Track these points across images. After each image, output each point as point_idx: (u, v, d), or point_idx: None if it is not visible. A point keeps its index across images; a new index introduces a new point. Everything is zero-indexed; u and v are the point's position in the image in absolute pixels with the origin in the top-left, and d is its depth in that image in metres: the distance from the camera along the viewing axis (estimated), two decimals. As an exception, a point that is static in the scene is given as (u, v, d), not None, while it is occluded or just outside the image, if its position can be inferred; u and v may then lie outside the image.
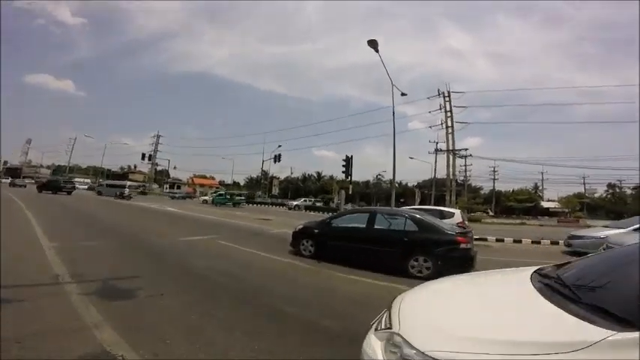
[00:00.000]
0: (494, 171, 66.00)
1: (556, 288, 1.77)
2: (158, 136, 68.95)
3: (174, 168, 77.81)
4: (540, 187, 69.64)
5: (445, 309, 1.88)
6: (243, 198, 39.82)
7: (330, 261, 7.14)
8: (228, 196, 36.76)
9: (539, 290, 1.77)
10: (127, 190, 34.92)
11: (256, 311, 4.07)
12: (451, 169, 42.02)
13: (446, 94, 41.87)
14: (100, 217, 14.73)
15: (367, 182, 72.82)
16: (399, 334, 1.62)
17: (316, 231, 7.80)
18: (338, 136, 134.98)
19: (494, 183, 66.83)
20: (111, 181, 44.34)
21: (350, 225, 7.59)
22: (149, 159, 58.54)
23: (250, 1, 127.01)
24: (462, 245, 6.25)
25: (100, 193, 38.85)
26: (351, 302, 4.66)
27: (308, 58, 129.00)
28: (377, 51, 15.25)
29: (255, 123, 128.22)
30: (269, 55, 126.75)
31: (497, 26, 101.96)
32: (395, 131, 16.64)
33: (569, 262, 2.35)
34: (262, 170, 47.01)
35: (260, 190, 51.50)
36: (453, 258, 6.23)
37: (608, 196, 67.77)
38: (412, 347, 1.48)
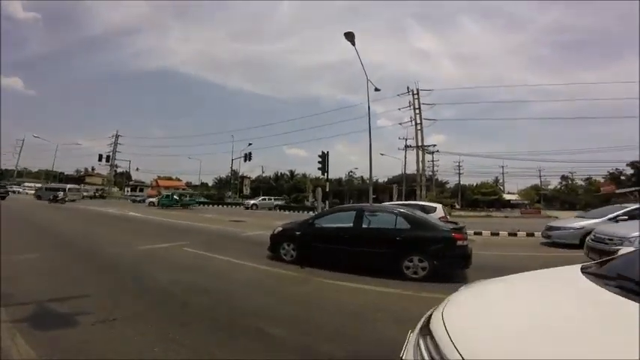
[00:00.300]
0: (459, 166, 68.61)
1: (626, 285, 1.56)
2: (117, 136, 64.40)
3: (137, 170, 73.43)
4: (500, 181, 73.25)
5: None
6: (193, 199, 37.55)
7: (315, 266, 6.43)
8: (177, 197, 34.07)
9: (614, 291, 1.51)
10: (61, 194, 32.29)
11: (235, 335, 3.28)
12: (420, 165, 42.94)
13: (415, 92, 42.59)
14: (43, 225, 12.98)
15: (340, 180, 72.82)
16: None
17: (298, 233, 7.05)
18: (309, 135, 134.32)
19: (459, 177, 69.44)
20: (51, 185, 40.34)
21: (335, 225, 6.92)
22: (107, 160, 54.40)
23: None
24: (459, 242, 5.78)
25: (39, 198, 35.76)
26: (348, 316, 3.96)
27: (279, 56, 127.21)
28: (353, 44, 14.77)
29: (224, 122, 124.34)
30: (239, 53, 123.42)
31: (462, 29, 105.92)
32: (370, 126, 16.26)
33: (612, 258, 2.24)
34: (232, 170, 45.14)
35: (230, 190, 49.50)
36: (449, 256, 5.76)
37: (562, 187, 72.57)
38: None
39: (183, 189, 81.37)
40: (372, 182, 16.43)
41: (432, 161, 54.88)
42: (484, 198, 64.86)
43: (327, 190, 17.64)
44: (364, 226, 6.50)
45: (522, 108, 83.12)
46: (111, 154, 61.09)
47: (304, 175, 73.74)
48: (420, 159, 42.55)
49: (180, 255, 7.68)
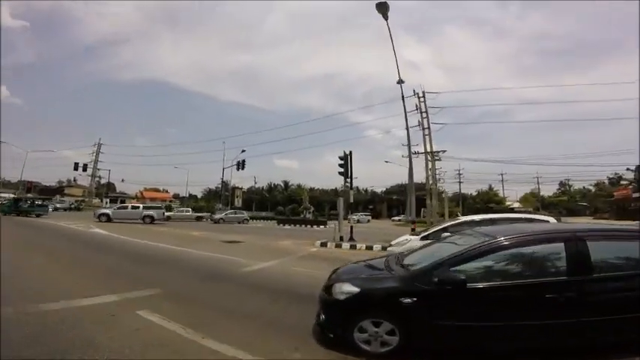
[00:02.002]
0: (459, 174, 65.42)
1: None
2: (99, 145, 59.17)
3: (122, 181, 68.20)
4: (495, 188, 70.31)
5: None
6: (41, 204, 30.22)
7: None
8: (25, 203, 28.56)
9: None
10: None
11: None
12: (430, 172, 39.45)
13: (421, 95, 39.41)
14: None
15: (335, 190, 68.93)
16: None
17: (407, 300, 2.95)
18: (299, 146, 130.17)
19: (459, 185, 66.33)
20: (15, 196, 34.66)
21: (519, 279, 3.02)
22: (84, 169, 49.11)
23: (214, 7, 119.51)
24: None
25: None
26: None
27: (270, 67, 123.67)
28: (386, 17, 11.36)
29: (215, 133, 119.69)
30: (230, 63, 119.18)
31: (449, 38, 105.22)
32: (408, 124, 12.53)
33: None
34: (222, 180, 40.56)
35: (220, 202, 44.75)
36: None
37: (560, 193, 70.34)
38: None
39: (170, 201, 76.63)
40: (412, 191, 12.55)
41: (433, 169, 51.50)
42: (485, 206, 62.07)
43: (352, 200, 13.67)
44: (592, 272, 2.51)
45: (513, 114, 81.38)
46: (92, 163, 56.03)
47: (299, 186, 69.66)
48: (430, 166, 39.09)
49: (125, 332, 3.42)
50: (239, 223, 30.63)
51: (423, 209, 55.34)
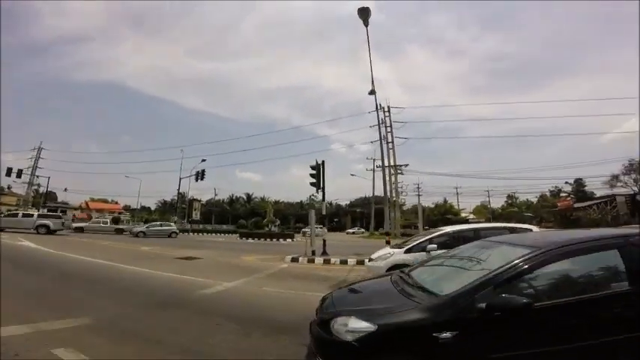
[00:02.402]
0: (418, 187, 67.57)
1: None
2: (39, 149, 52.78)
3: (65, 190, 61.49)
4: (449, 201, 73.72)
5: None
6: None
7: None
8: None
9: None
10: None
11: None
12: (393, 185, 39.92)
13: (386, 109, 40.29)
14: None
15: (301, 203, 67.80)
16: None
17: (448, 335, 2.07)
18: (264, 158, 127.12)
19: (419, 198, 68.48)
20: None
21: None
22: (18, 175, 43.32)
23: (185, 10, 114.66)
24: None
25: None
26: None
27: (237, 76, 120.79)
28: (366, 23, 11.13)
29: (173, 141, 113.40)
30: (196, 69, 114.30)
31: (410, 56, 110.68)
32: (381, 135, 12.22)
33: None
34: (178, 191, 37.69)
35: (176, 214, 41.55)
36: None
37: (508, 205, 75.53)
38: None
39: (120, 212, 70.57)
40: (397, 204, 11.97)
41: (396, 182, 52.61)
42: (442, 218, 64.61)
43: (325, 213, 12.79)
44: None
45: (466, 131, 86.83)
46: (30, 169, 49.69)
47: (263, 199, 67.59)
48: (392, 180, 39.58)
49: None
50: (168, 236, 27.01)
51: (384, 222, 56.42)
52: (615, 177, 43.23)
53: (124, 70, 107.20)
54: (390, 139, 39.88)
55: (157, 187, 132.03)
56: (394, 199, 40.24)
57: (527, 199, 74.77)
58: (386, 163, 41.15)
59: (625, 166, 42.24)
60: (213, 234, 34.88)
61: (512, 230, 7.21)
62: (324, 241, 12.20)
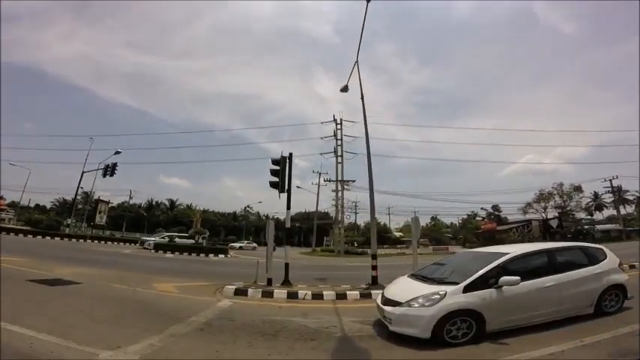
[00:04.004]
0: (355, 205, 66.93)
1: None
2: None
3: None
4: (378, 219, 75.12)
5: None
6: None
7: None
8: None
9: None
10: None
11: None
12: (339, 201, 37.52)
13: (338, 122, 38.19)
14: None
15: (234, 214, 61.24)
16: None
17: None
18: (195, 166, 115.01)
19: (356, 216, 67.87)
20: None
21: None
22: None
23: (137, 3, 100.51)
24: None
25: None
26: None
27: (179, 75, 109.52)
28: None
29: (87, 134, 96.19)
30: (131, 62, 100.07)
31: (354, 79, 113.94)
32: (368, 143, 9.24)
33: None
34: (78, 187, 29.18)
35: (75, 216, 32.39)
36: None
37: (431, 226, 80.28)
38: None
39: (1, 209, 55.79)
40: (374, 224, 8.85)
41: (342, 198, 50.77)
42: (378, 237, 64.70)
43: (289, 225, 8.81)
44: None
45: (394, 158, 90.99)
46: None
47: (189, 207, 59.26)
48: (339, 195, 37.17)
49: None
50: None
51: (325, 237, 53.53)
52: (529, 204, 47.73)
53: (47, 54, 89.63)
54: (339, 153, 37.92)
55: (60, 183, 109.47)
56: (339, 215, 37.89)
57: (452, 223, 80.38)
58: (334, 178, 38.98)
59: (536, 195, 46.91)
60: (122, 243, 27.54)
61: (585, 250, 5.29)
62: (287, 264, 8.24)
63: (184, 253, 21.10)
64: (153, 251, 21.99)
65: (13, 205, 56.63)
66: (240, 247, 37.07)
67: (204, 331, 4.69)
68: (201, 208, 56.04)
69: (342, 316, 5.82)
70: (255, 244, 42.34)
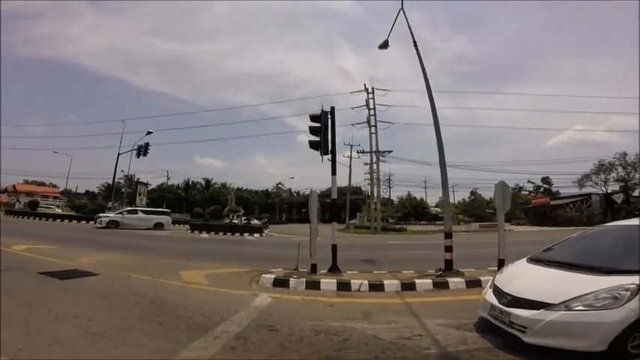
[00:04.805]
0: (389, 179, 64.27)
1: None
2: None
3: (-5, 171, 50.53)
4: (412, 193, 71.50)
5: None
6: None
7: None
8: None
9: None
10: None
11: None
12: (375, 173, 35.43)
13: (370, 91, 35.30)
14: None
15: (266, 191, 61.32)
16: None
17: None
18: (227, 145, 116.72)
19: (390, 190, 65.37)
20: None
21: None
22: None
23: None
24: None
25: None
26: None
27: (203, 59, 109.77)
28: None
29: (128, 123, 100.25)
30: (159, 50, 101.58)
31: (382, 52, 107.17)
32: (432, 98, 7.01)
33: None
34: (115, 170, 29.51)
35: (111, 199, 33.16)
36: None
37: (472, 200, 75.24)
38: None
39: (55, 197, 60.28)
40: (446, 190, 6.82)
41: (378, 170, 48.58)
42: (414, 211, 62.19)
43: (335, 195, 7.09)
44: None
45: (428, 128, 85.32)
46: None
47: (223, 185, 59.95)
48: (374, 168, 35.01)
49: None
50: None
51: (358, 213, 51.93)
52: (586, 176, 42.58)
53: (78, 47, 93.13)
54: (373, 122, 35.31)
55: (107, 168, 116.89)
56: (375, 189, 35.84)
57: (490, 198, 75.16)
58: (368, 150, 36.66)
59: (595, 166, 41.66)
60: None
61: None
62: (335, 247, 6.65)
63: (220, 233, 20.51)
64: (189, 231, 21.69)
65: (64, 192, 60.86)
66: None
67: (236, 351, 3.24)
68: (235, 187, 56.58)
69: (422, 318, 4.18)
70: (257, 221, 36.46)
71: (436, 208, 65.91)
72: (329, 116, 7.20)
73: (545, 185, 58.98)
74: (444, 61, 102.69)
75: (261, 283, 6.03)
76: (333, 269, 6.52)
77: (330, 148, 7.03)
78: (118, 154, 28.04)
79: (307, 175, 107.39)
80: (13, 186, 59.77)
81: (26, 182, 64.63)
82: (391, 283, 5.87)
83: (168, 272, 6.84)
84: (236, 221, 26.43)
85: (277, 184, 60.15)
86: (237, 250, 12.85)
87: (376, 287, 5.78)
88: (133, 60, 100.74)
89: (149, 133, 28.07)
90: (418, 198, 68.93)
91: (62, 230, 18.48)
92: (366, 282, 5.86)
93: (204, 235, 19.79)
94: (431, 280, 6.02)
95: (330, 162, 7.05)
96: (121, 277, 6.29)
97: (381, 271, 7.16)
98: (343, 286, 5.77)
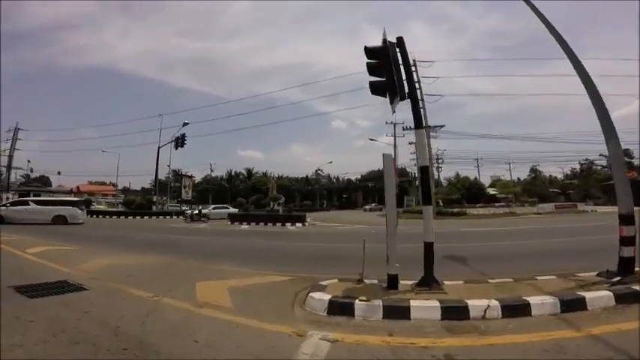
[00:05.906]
0: (437, 159, 58.79)
1: None
2: (16, 130, 43.82)
3: (59, 173, 55.56)
4: (461, 174, 64.85)
5: None
6: None
7: None
8: None
9: None
10: None
11: None
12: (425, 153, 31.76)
13: (413, 63, 31.38)
14: None
15: (306, 178, 59.87)
16: None
17: None
18: (263, 137, 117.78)
19: (438, 171, 59.99)
20: None
21: None
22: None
23: None
24: None
25: None
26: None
27: (231, 55, 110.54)
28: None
29: (166, 123, 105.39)
30: (187, 50, 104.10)
31: (412, 33, 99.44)
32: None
33: None
34: (157, 163, 29.33)
35: (155, 193, 33.20)
36: None
37: (531, 179, 66.93)
38: None
39: (113, 195, 64.25)
40: None
41: (429, 147, 44.29)
42: (467, 193, 56.63)
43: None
44: None
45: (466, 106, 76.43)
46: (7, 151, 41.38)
47: (264, 174, 59.50)
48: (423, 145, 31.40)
49: None
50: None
51: (406, 197, 48.22)
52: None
53: (113, 53, 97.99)
54: (420, 97, 31.49)
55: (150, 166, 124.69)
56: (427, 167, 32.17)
57: (550, 176, 66.13)
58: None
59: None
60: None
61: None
62: (430, 246, 4.01)
63: (260, 224, 18.90)
64: (229, 223, 20.40)
65: (123, 190, 64.89)
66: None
67: None
68: (276, 175, 55.77)
69: None
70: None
71: (492, 188, 59.76)
72: (396, 49, 4.57)
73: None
74: (479, 36, 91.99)
75: (308, 307, 3.73)
76: (427, 281, 3.94)
77: (406, 89, 4.41)
78: (158, 148, 27.85)
79: (340, 162, 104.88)
80: (77, 187, 64.95)
81: (90, 183, 69.90)
82: (539, 302, 3.26)
83: (182, 283, 4.86)
84: (278, 208, 24.84)
85: (316, 170, 58.32)
86: (276, 245, 10.89)
87: (515, 310, 3.21)
88: (166, 61, 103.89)
89: (185, 124, 27.39)
90: (472, 178, 62.62)
91: (102, 228, 18.06)
92: (495, 302, 3.29)
93: (244, 226, 18.28)
94: (609, 292, 3.33)
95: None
96: (112, 293, 4.39)
97: (494, 279, 4.53)
98: (454, 312, 3.26)
